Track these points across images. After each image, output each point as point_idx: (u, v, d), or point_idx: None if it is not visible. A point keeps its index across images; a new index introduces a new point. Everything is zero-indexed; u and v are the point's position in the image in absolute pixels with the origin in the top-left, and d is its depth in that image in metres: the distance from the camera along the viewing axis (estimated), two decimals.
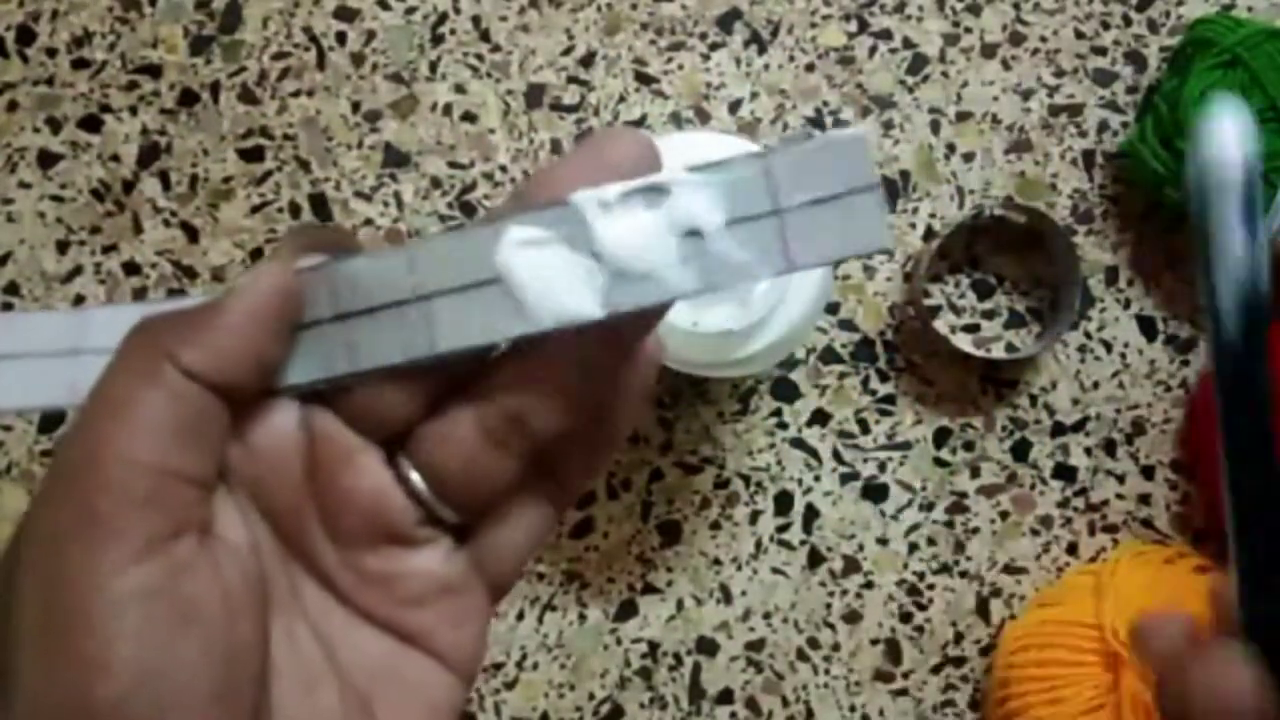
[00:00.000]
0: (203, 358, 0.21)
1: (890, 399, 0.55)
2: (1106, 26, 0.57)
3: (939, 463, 0.55)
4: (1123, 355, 0.55)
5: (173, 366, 0.20)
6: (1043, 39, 0.57)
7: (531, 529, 0.25)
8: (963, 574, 0.55)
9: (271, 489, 0.22)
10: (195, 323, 0.21)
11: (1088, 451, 0.55)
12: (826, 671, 0.54)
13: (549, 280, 0.21)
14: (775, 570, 0.55)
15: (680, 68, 0.57)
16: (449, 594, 0.24)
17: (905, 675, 0.54)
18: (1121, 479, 0.55)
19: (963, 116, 0.56)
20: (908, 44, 0.57)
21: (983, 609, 0.54)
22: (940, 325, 0.55)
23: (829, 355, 0.55)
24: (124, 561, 0.19)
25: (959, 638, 0.54)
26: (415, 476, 0.23)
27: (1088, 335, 0.55)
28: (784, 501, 0.55)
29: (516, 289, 0.21)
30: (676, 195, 0.21)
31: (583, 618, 0.54)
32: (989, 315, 0.56)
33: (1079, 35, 0.57)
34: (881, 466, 0.55)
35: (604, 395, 0.24)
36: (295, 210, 0.56)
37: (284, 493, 0.23)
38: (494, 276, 0.21)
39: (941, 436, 0.55)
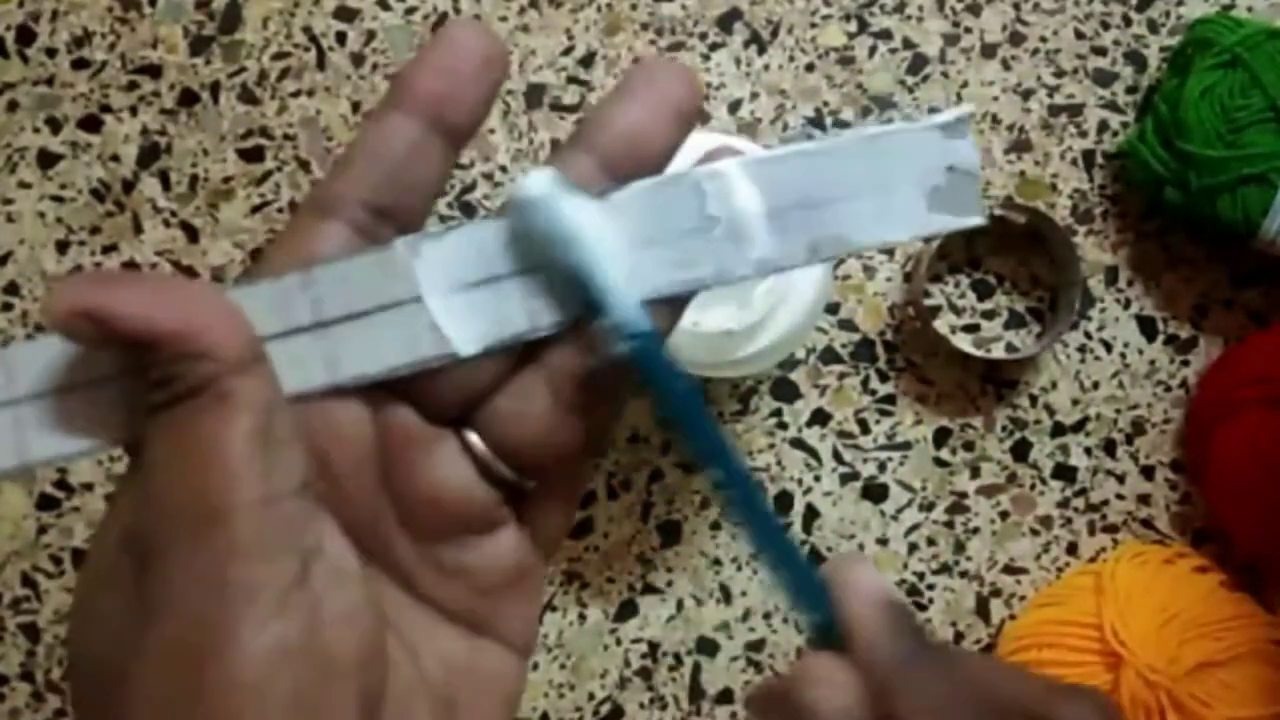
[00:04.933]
0: (224, 338, 0.19)
1: (890, 399, 0.55)
2: (1106, 26, 0.57)
3: (939, 463, 0.55)
4: (1123, 355, 0.55)
5: (226, 375, 0.19)
6: (1043, 39, 0.57)
7: (574, 485, 0.24)
8: (963, 574, 0.55)
9: (349, 496, 0.21)
10: (194, 307, 0.19)
11: (1088, 451, 0.55)
12: None
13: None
14: None
15: None
16: (519, 575, 0.23)
17: None
18: (1121, 479, 0.55)
19: None
20: (908, 44, 0.57)
21: (983, 609, 0.54)
22: (940, 325, 0.55)
23: (829, 355, 0.55)
24: (263, 618, 0.18)
25: (959, 638, 0.54)
26: (482, 447, 0.22)
27: (1088, 335, 0.55)
28: (784, 501, 0.55)
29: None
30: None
31: (582, 618, 0.54)
32: (989, 315, 0.56)
33: (1079, 35, 0.57)
34: (881, 466, 0.55)
35: None
36: (295, 210, 0.56)
37: (362, 498, 0.22)
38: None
39: (941, 436, 0.55)
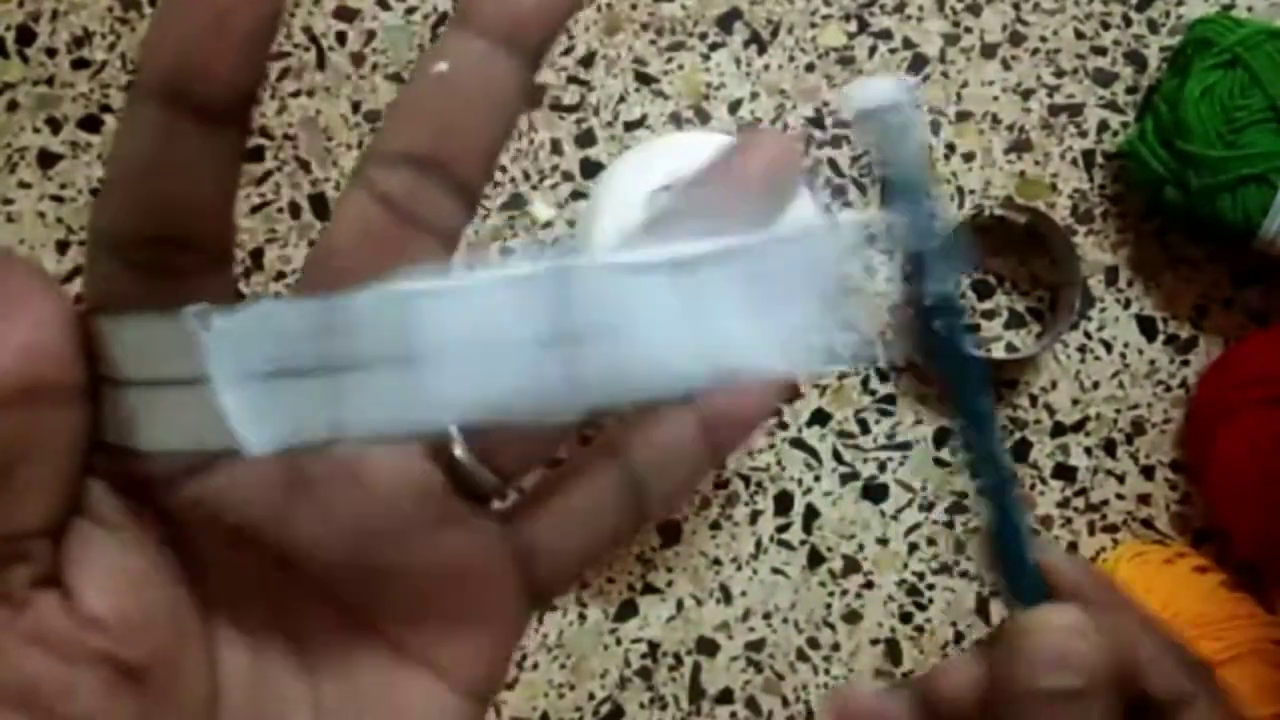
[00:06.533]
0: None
1: (890, 399, 0.55)
2: (1106, 26, 0.57)
3: (939, 463, 0.55)
4: (1123, 355, 0.55)
5: None
6: (1043, 39, 0.57)
7: (596, 525, 0.20)
8: (963, 574, 0.55)
9: (238, 518, 0.18)
10: None
11: (1088, 451, 0.55)
12: (826, 671, 0.54)
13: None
14: (775, 570, 0.55)
15: (680, 68, 0.57)
16: (473, 589, 0.19)
17: (905, 675, 0.54)
18: (1121, 479, 0.55)
19: (963, 116, 0.56)
20: (908, 44, 0.57)
21: (983, 609, 0.54)
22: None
23: None
24: None
25: (959, 638, 0.54)
26: (458, 449, 0.19)
27: (1088, 335, 0.55)
28: (784, 501, 0.55)
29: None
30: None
31: (582, 618, 0.54)
32: (989, 315, 0.56)
33: (1079, 35, 0.57)
34: (881, 466, 0.55)
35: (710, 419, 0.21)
36: (295, 210, 0.56)
37: (254, 515, 0.18)
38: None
39: (941, 436, 0.55)
